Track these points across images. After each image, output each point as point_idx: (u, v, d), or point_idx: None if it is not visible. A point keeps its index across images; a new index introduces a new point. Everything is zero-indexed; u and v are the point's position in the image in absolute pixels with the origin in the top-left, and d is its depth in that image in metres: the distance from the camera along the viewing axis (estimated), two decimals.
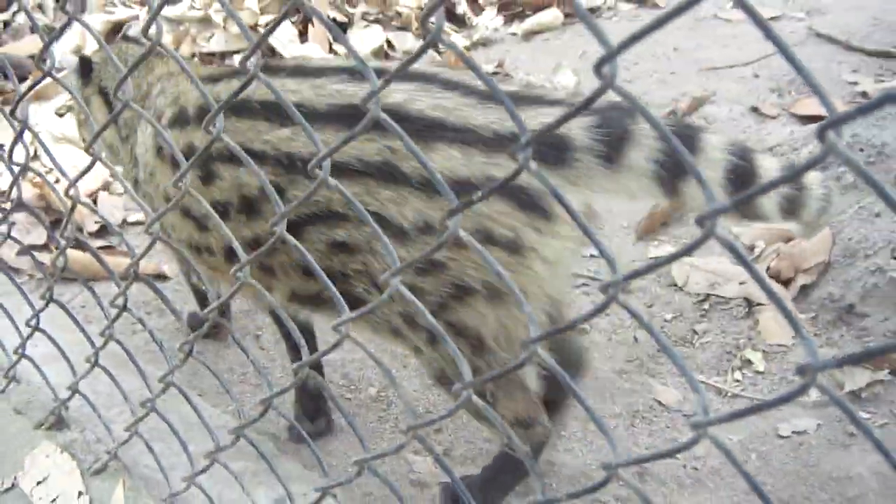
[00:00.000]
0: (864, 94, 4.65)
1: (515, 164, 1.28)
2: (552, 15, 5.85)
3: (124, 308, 2.37)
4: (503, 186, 1.35)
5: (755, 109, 4.64)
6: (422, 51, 1.34)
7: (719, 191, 2.27)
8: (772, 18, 5.70)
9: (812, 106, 4.59)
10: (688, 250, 1.19)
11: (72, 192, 2.30)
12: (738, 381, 3.25)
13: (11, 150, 2.54)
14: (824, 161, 1.07)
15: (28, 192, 4.09)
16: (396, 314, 2.33)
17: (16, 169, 2.58)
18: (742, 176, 2.23)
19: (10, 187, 2.61)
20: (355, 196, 1.61)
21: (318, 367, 3.21)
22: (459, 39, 5.33)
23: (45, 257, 3.72)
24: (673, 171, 2.34)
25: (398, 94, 2.45)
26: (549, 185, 1.32)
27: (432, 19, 1.24)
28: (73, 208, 2.38)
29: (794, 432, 3.04)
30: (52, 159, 2.36)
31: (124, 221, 4.29)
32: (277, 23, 1.48)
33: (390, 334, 2.62)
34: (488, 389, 2.51)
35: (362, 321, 2.24)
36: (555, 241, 2.41)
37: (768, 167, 2.29)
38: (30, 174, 2.60)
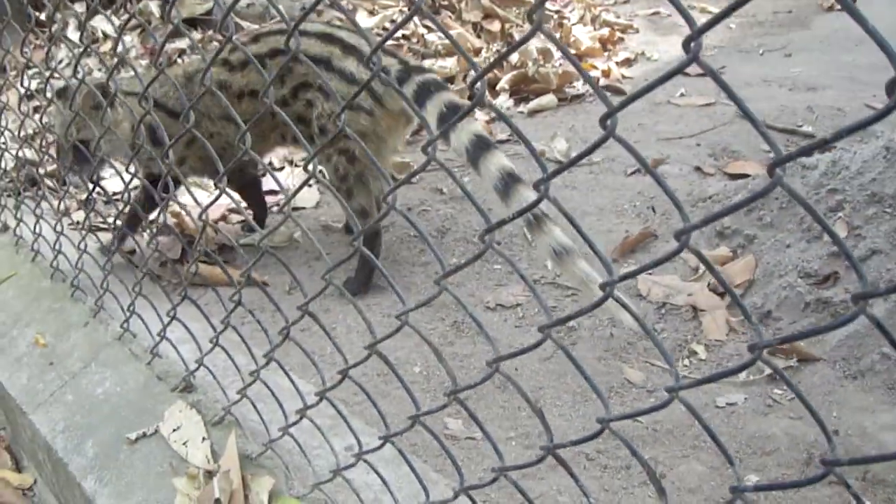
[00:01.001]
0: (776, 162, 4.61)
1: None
2: (549, 98, 5.88)
3: (239, 303, 2.36)
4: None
5: (698, 168, 4.64)
6: (469, 109, 1.32)
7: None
8: (708, 104, 5.69)
9: (739, 166, 4.59)
10: (665, 259, 1.17)
11: (203, 217, 2.28)
12: (686, 366, 3.24)
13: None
14: (772, 190, 1.04)
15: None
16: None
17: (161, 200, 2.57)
18: None
19: (157, 215, 2.61)
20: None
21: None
22: (482, 115, 5.31)
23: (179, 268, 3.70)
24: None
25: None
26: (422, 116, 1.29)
27: (478, 85, 1.22)
28: (203, 230, 2.37)
29: (727, 404, 3.03)
30: (188, 189, 2.35)
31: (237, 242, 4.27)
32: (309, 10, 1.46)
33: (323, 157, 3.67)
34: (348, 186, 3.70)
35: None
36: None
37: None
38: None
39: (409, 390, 1.83)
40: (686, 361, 3.25)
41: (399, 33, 6.39)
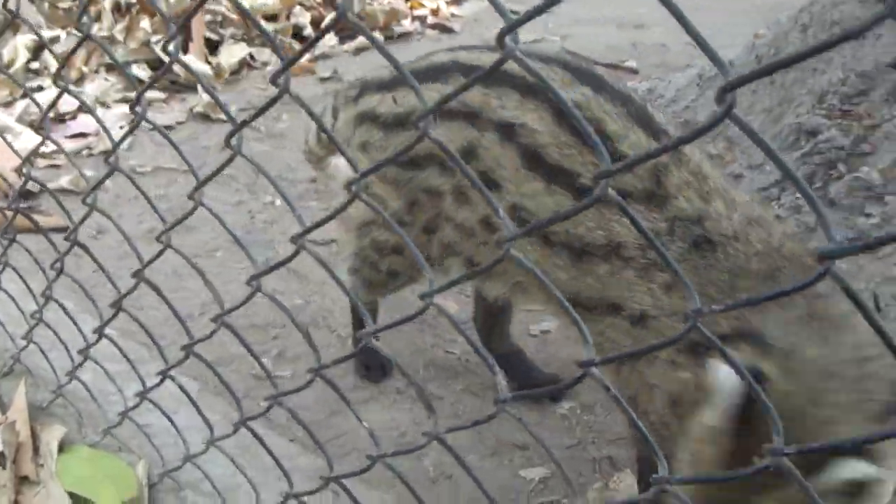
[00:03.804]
0: None
1: None
2: (375, 36, 5.71)
3: (13, 241, 2.19)
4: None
5: None
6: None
7: None
8: (534, 41, 5.68)
9: None
10: None
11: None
12: None
13: None
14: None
15: None
16: None
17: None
18: None
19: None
20: None
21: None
22: (307, 56, 5.15)
23: None
24: None
25: None
26: (450, 152, 1.20)
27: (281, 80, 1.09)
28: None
29: (541, 332, 3.02)
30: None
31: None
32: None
33: None
34: None
35: None
36: None
37: None
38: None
39: (172, 308, 1.70)
40: None
41: None
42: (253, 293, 1.41)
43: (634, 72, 5.13)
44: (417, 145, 1.06)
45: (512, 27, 0.94)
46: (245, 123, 1.22)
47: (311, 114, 1.20)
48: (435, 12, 6.35)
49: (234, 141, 1.25)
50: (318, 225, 1.23)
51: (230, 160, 1.26)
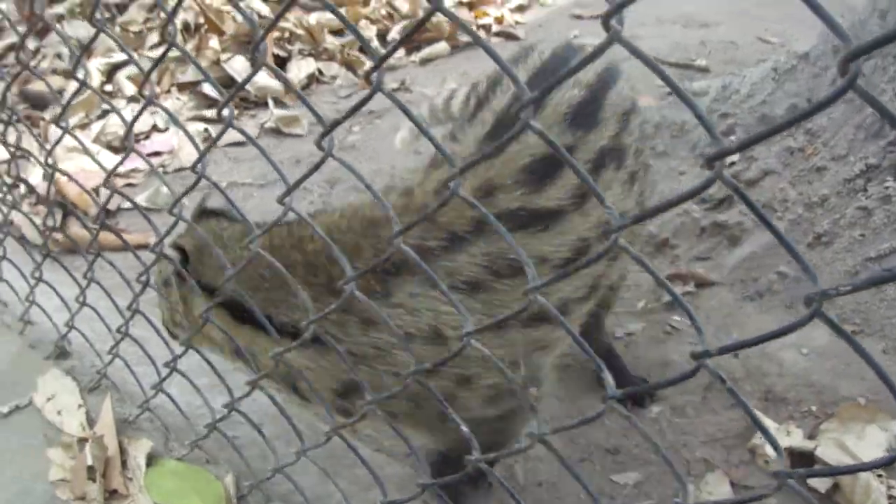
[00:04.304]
0: (669, 93, 4.54)
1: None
2: (441, 46, 5.75)
3: (98, 255, 2.20)
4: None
5: None
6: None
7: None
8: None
9: None
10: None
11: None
12: None
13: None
14: (610, 46, 0.92)
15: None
16: None
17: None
18: None
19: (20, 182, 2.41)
20: None
21: None
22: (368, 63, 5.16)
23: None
24: None
25: None
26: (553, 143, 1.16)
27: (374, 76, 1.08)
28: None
29: (626, 333, 2.95)
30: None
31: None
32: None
33: None
34: None
35: None
36: None
37: None
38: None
39: (264, 326, 1.68)
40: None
41: None
42: (343, 298, 1.39)
43: (705, 70, 5.04)
44: None
45: (617, 8, 0.90)
46: (337, 123, 1.19)
47: (405, 111, 1.17)
48: (499, 20, 6.32)
49: (325, 142, 1.23)
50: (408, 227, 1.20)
51: (322, 161, 1.24)
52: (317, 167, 1.25)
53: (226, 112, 1.40)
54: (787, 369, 2.68)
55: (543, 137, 1.02)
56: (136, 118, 1.74)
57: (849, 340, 0.91)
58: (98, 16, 1.65)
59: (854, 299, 2.84)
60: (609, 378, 1.12)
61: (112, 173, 1.94)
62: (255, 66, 1.31)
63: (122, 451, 2.38)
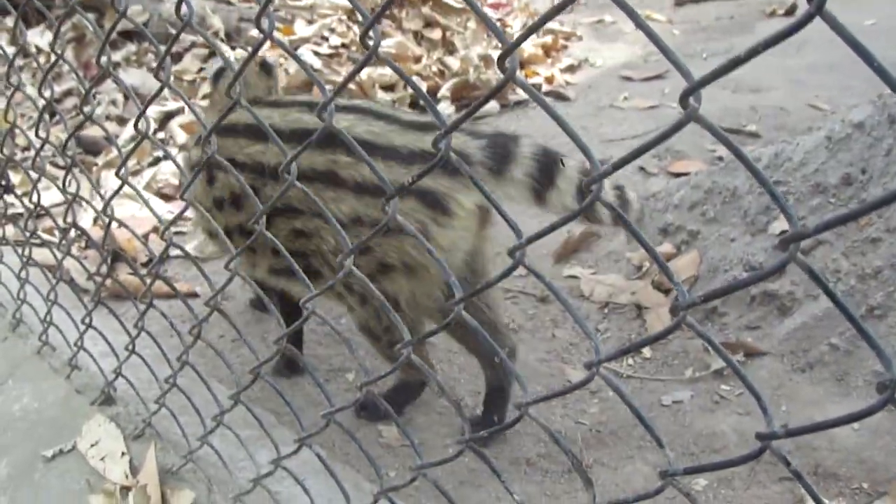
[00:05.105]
0: (720, 158, 4.53)
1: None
2: (491, 105, 5.76)
3: (150, 305, 2.21)
4: (426, 173, 1.19)
5: (642, 168, 4.54)
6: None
7: (572, 200, 2.36)
8: (651, 107, 5.63)
9: (683, 165, 4.51)
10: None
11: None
12: (630, 365, 3.13)
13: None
14: (687, 124, 0.92)
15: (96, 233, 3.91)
16: (340, 283, 2.09)
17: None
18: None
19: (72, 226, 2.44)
20: (306, 196, 1.48)
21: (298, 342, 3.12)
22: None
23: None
24: (542, 183, 2.37)
25: (343, 122, 2.45)
26: (466, 170, 1.17)
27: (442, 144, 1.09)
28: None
29: (673, 402, 2.92)
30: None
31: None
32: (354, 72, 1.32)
33: (335, 297, 2.69)
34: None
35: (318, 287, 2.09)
36: (450, 232, 2.43)
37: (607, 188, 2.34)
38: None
39: (321, 385, 1.68)
40: (630, 360, 3.13)
41: (338, 41, 6.27)
42: (399, 363, 1.38)
43: (756, 135, 5.03)
44: None
45: (695, 87, 0.90)
46: (403, 188, 1.20)
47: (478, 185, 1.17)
48: (549, 80, 6.35)
49: (388, 208, 1.24)
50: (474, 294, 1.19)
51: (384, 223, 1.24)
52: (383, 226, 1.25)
53: (293, 168, 1.41)
54: (838, 444, 2.63)
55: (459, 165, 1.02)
56: (196, 174, 1.76)
57: None
58: (162, 74, 1.67)
59: None
60: (669, 454, 1.10)
61: (169, 226, 1.96)
62: (323, 124, 1.32)
63: (165, 501, 2.37)
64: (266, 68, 3.01)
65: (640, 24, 0.95)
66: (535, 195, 2.39)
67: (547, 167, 2.37)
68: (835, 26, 0.78)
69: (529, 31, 1.09)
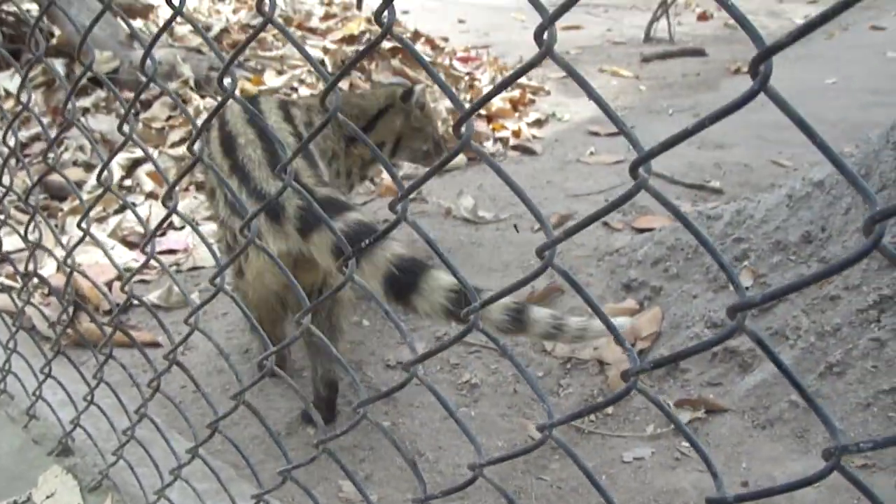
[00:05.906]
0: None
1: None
2: (459, 158, 5.78)
3: (109, 356, 2.20)
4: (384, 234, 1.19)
5: (606, 224, 4.55)
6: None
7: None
8: (617, 162, 5.69)
9: (647, 221, 4.54)
10: None
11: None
12: (592, 421, 3.12)
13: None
14: (637, 194, 0.94)
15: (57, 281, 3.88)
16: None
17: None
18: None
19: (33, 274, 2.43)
20: None
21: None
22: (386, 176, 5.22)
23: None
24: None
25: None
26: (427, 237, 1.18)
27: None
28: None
29: (634, 458, 2.92)
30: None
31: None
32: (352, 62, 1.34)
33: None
34: None
35: None
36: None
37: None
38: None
39: (277, 440, 1.68)
40: (592, 417, 3.13)
41: (307, 92, 6.30)
42: (360, 418, 1.38)
43: (719, 192, 5.09)
44: None
45: (644, 158, 0.92)
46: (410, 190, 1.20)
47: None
48: (517, 134, 6.40)
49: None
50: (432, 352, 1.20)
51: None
52: (390, 228, 1.25)
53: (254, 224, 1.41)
54: (797, 501, 2.64)
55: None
56: (158, 226, 1.76)
57: (866, 494, 0.91)
58: (126, 127, 1.68)
59: (866, 432, 2.82)
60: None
61: (132, 278, 1.96)
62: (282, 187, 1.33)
63: None
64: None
65: (592, 95, 0.97)
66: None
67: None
68: (779, 102, 0.81)
69: (485, 99, 1.11)
